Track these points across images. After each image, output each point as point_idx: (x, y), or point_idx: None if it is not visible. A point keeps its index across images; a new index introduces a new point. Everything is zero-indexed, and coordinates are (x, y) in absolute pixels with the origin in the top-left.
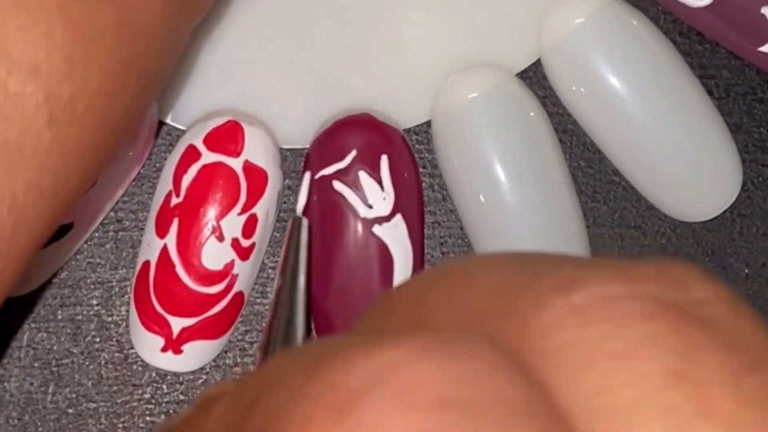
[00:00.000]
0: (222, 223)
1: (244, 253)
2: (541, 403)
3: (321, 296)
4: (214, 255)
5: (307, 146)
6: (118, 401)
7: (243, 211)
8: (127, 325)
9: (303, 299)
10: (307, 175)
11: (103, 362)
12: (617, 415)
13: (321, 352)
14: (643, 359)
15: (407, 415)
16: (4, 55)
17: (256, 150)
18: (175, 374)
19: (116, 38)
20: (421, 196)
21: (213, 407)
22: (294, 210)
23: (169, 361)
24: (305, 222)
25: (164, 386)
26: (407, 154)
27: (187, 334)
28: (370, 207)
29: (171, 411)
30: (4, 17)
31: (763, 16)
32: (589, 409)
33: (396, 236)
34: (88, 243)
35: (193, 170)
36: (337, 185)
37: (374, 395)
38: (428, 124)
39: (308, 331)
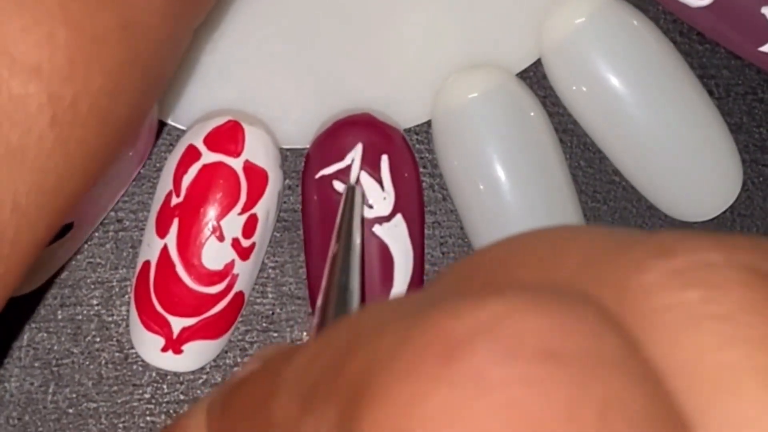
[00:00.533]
0: (222, 222)
1: (244, 253)
2: (641, 363)
3: None
4: (214, 255)
5: (308, 146)
6: (119, 401)
7: (243, 210)
8: (127, 325)
9: (358, 264)
10: (360, 145)
11: (103, 362)
12: (717, 375)
13: (419, 304)
14: (743, 324)
15: (512, 364)
16: (6, 56)
17: (257, 150)
18: (176, 374)
19: (118, 39)
20: (422, 196)
21: (292, 356)
22: (294, 209)
23: (169, 361)
24: (359, 189)
25: (164, 386)
26: (407, 154)
27: (188, 334)
28: (371, 207)
29: (171, 411)
30: (6, 18)
31: (764, 15)
32: (688, 370)
33: (396, 236)
34: (89, 243)
35: (193, 170)
36: (338, 185)
37: (481, 344)
38: (428, 124)
39: (363, 296)
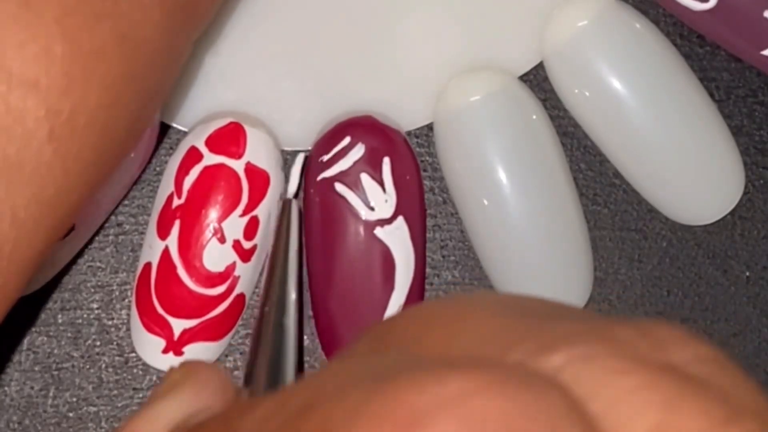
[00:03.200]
0: (224, 224)
1: (245, 255)
2: None
3: (323, 298)
4: (215, 257)
5: (309, 148)
6: (119, 405)
7: (245, 212)
8: (127, 329)
9: (294, 314)
10: (301, 156)
11: (103, 366)
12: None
13: (378, 370)
14: (625, 416)
15: None
16: (4, 71)
17: (258, 152)
18: None
19: (116, 53)
20: (423, 198)
21: (250, 410)
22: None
23: (170, 363)
24: (296, 204)
25: None
26: (409, 157)
27: (189, 336)
28: (372, 209)
29: None
30: (4, 34)
31: (766, 19)
32: None
33: (398, 238)
34: (89, 247)
35: (194, 172)
36: (339, 187)
37: (444, 419)
38: (429, 127)
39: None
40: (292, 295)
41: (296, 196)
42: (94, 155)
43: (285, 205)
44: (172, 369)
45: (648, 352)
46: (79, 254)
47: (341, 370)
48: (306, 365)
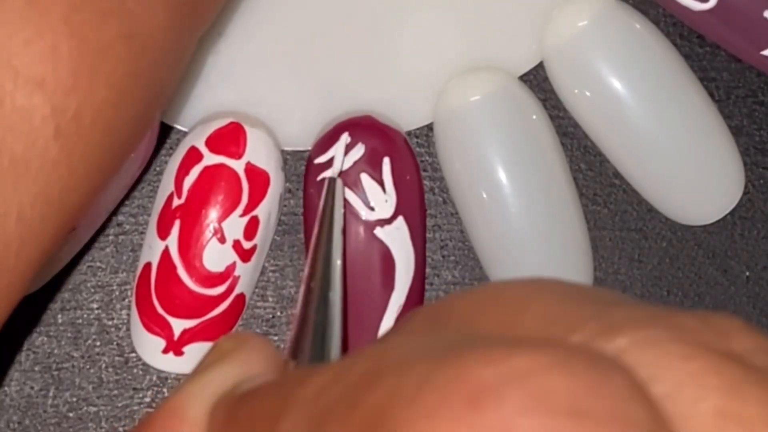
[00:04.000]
0: (224, 224)
1: (245, 255)
2: (665, 430)
3: None
4: (215, 257)
5: (309, 148)
6: (119, 405)
7: (245, 212)
8: (127, 329)
9: (339, 270)
10: (345, 136)
11: (103, 366)
12: None
13: (442, 345)
14: (688, 400)
15: (539, 417)
16: (10, 69)
17: (258, 152)
18: (176, 377)
19: (122, 51)
20: (423, 198)
21: (307, 379)
22: (294, 213)
23: (170, 363)
24: (339, 182)
25: (165, 390)
26: (409, 157)
27: (189, 336)
28: (372, 209)
29: None
30: (10, 31)
31: (766, 19)
32: None
33: (398, 239)
34: (89, 246)
35: (194, 172)
36: None
37: (510, 393)
38: (429, 127)
39: (345, 300)
40: (338, 270)
41: (340, 174)
42: (100, 153)
43: (330, 184)
44: (221, 339)
45: (711, 339)
46: (79, 254)
47: (402, 343)
48: None
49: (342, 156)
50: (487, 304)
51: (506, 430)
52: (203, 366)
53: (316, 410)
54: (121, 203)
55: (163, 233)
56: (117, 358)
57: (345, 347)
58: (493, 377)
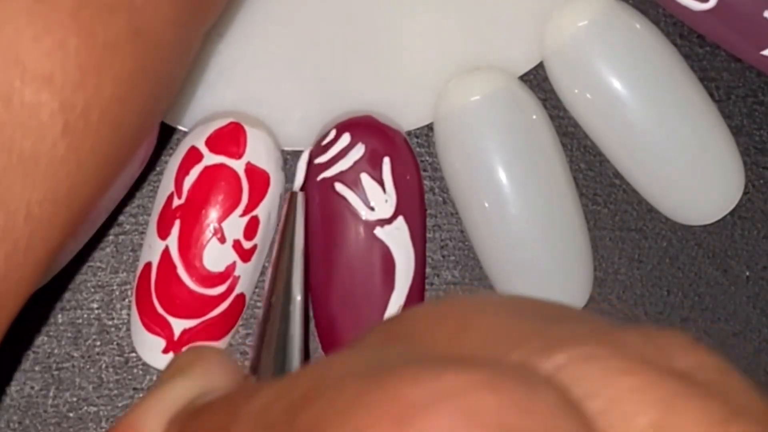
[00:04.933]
0: (224, 224)
1: (245, 255)
2: None
3: (323, 298)
4: (215, 257)
5: (309, 148)
6: (119, 405)
7: (245, 212)
8: (127, 329)
9: (300, 282)
10: (306, 153)
11: (103, 366)
12: None
13: (378, 363)
14: (623, 415)
15: None
16: (18, 66)
17: (258, 152)
18: None
19: (129, 47)
20: (423, 198)
21: (254, 394)
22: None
23: None
24: (301, 197)
25: None
26: (409, 157)
27: (189, 336)
28: (372, 209)
29: None
30: (18, 28)
31: (766, 19)
32: None
33: (398, 238)
34: (89, 246)
35: (194, 172)
36: (339, 187)
37: (438, 412)
38: (429, 127)
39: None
40: (298, 285)
41: (302, 189)
42: (108, 149)
43: (291, 197)
44: (180, 352)
45: (652, 355)
46: (79, 254)
47: (343, 360)
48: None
49: (303, 170)
50: (437, 320)
51: None
52: (161, 381)
53: (260, 426)
54: (121, 203)
55: (163, 233)
56: (117, 358)
57: (306, 360)
58: (422, 396)
